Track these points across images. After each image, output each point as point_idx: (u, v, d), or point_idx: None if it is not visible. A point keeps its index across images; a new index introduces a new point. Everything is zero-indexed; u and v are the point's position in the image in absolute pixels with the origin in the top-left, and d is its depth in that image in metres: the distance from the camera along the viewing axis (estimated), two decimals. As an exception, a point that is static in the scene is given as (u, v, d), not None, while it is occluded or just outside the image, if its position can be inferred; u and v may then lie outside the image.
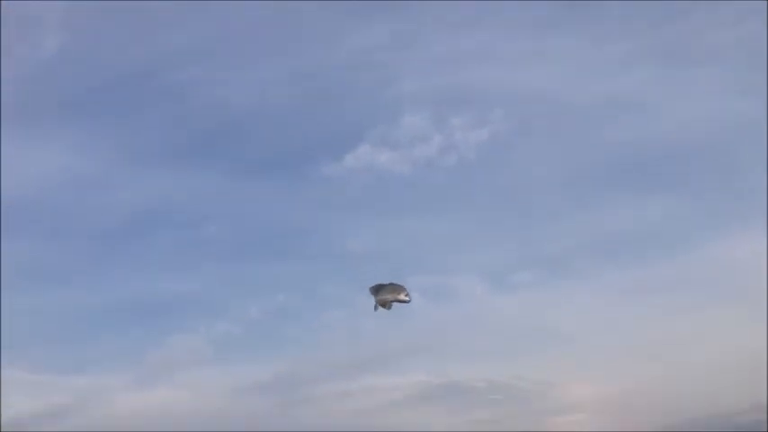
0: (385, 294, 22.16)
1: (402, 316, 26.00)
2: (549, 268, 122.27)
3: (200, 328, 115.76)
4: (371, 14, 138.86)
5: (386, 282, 22.19)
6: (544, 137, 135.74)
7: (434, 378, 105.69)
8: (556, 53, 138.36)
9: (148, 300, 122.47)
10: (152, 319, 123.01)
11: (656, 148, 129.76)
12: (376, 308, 22.55)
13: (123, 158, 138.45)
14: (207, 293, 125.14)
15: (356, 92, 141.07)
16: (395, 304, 22.80)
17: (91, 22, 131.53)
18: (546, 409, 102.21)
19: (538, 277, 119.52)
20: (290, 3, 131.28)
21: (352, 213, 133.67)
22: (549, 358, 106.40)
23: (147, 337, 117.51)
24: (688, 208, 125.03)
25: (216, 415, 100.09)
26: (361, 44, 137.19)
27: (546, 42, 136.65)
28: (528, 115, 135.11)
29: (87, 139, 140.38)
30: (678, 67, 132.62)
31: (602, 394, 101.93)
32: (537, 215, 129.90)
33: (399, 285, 22.25)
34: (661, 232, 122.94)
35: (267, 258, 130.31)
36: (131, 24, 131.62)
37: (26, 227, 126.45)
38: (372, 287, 22.23)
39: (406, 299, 22.41)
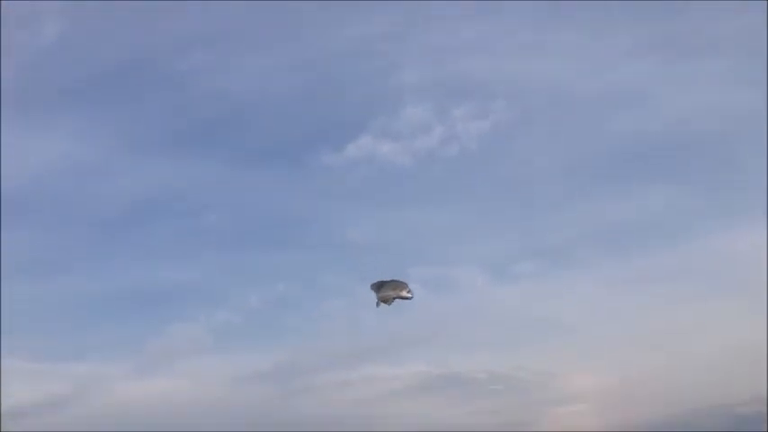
0: (387, 291, 21.91)
1: (402, 307, 25.75)
2: (551, 259, 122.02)
3: (200, 317, 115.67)
4: (372, 4, 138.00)
5: (388, 278, 22.02)
6: (546, 128, 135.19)
7: (435, 368, 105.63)
8: (557, 45, 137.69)
9: (148, 288, 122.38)
10: (152, 307, 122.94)
11: (657, 138, 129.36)
12: (378, 304, 22.35)
13: (123, 147, 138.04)
14: (207, 282, 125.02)
15: (357, 82, 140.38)
16: (396, 300, 22.68)
17: (91, 11, 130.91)
18: (547, 399, 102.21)
19: (539, 268, 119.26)
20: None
21: (353, 203, 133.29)
22: (551, 349, 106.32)
23: (146, 325, 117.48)
24: (689, 199, 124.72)
25: (216, 404, 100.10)
26: (362, 34, 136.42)
27: (547, 34, 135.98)
28: (529, 106, 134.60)
29: (87, 127, 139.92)
30: (679, 60, 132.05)
31: (604, 385, 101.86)
32: (538, 206, 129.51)
33: (401, 282, 22.02)
34: (662, 223, 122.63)
35: (267, 247, 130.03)
36: (132, 13, 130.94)
37: (26, 215, 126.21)
38: (374, 284, 21.97)
39: (409, 295, 22.23)
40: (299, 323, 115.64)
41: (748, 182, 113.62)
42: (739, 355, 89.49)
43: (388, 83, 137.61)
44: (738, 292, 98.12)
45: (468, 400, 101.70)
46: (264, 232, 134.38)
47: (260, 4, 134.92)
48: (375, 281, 22.12)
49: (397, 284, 21.99)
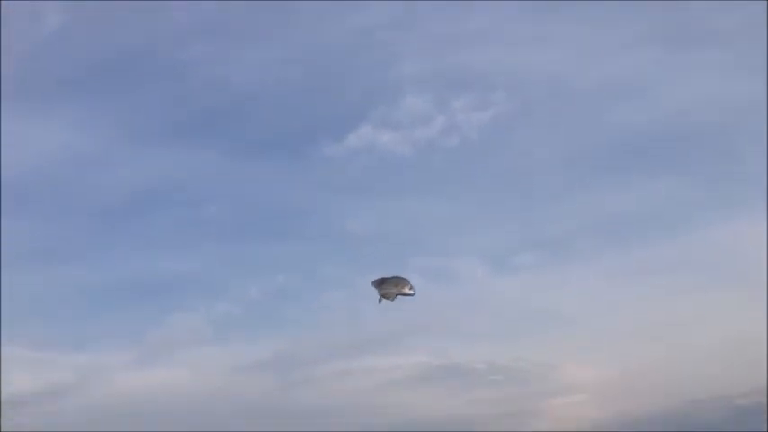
0: (389, 288, 21.87)
1: (403, 299, 25.76)
2: (551, 250, 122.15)
3: (201, 308, 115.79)
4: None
5: (389, 275, 21.95)
6: (546, 119, 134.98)
7: (435, 359, 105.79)
8: (558, 36, 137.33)
9: (149, 279, 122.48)
10: (152, 298, 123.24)
11: (657, 130, 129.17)
12: (380, 300, 22.31)
13: (123, 136, 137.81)
14: (207, 273, 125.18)
15: (358, 72, 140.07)
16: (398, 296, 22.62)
17: (92, 1, 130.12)
18: (546, 390, 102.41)
19: (539, 259, 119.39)
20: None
21: (353, 194, 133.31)
22: (550, 340, 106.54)
23: (147, 315, 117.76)
24: (689, 190, 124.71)
25: (216, 394, 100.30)
26: (363, 24, 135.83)
27: (548, 25, 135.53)
28: (530, 97, 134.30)
29: (87, 117, 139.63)
30: (679, 51, 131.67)
31: (603, 376, 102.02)
32: (538, 197, 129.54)
33: (403, 279, 21.95)
34: (662, 214, 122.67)
35: (267, 239, 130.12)
36: (132, 3, 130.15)
37: (26, 205, 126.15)
38: (376, 280, 21.91)
39: (411, 292, 22.16)
40: (299, 314, 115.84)
41: (748, 173, 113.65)
42: (739, 347, 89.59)
43: (389, 73, 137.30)
44: (738, 283, 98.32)
45: (468, 391, 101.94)
46: (265, 223, 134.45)
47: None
48: (376, 277, 21.93)
49: (399, 281, 21.86)
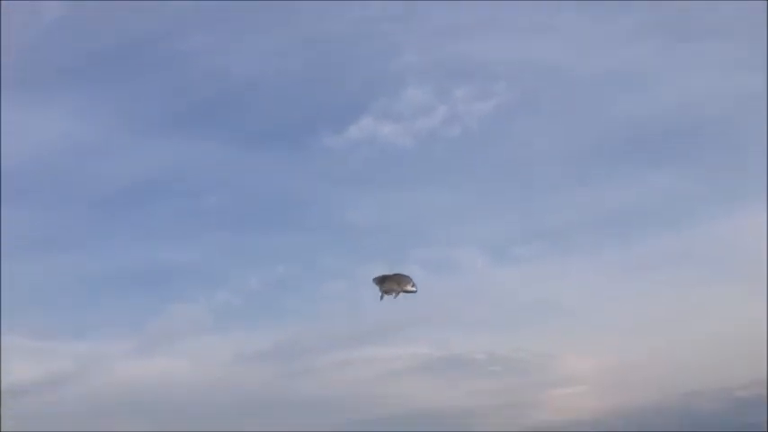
0: (391, 285, 21.67)
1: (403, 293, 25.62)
2: (551, 242, 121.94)
3: (201, 298, 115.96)
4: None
5: (391, 272, 21.75)
6: (547, 110, 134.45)
7: (435, 350, 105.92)
8: (559, 26, 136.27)
9: (149, 268, 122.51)
10: (152, 287, 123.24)
11: (659, 122, 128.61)
12: (382, 297, 22.14)
13: (124, 126, 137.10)
14: (207, 263, 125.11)
15: (358, 63, 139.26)
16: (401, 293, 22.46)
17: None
18: (546, 381, 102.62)
19: (539, 250, 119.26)
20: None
21: (354, 185, 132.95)
22: (550, 331, 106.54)
23: (147, 305, 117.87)
24: (690, 184, 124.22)
25: (215, 384, 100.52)
26: (363, 15, 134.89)
27: (550, 15, 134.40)
28: (531, 88, 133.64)
29: (87, 106, 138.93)
30: (680, 42, 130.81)
31: (603, 367, 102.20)
32: (539, 188, 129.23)
33: (405, 276, 21.71)
34: (663, 207, 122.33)
35: (267, 229, 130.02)
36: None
37: (26, 194, 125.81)
38: (377, 278, 21.70)
39: (413, 289, 21.96)
40: (299, 305, 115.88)
41: (749, 167, 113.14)
42: (739, 340, 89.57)
43: (389, 64, 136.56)
44: (739, 276, 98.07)
45: (468, 381, 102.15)
46: (265, 214, 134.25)
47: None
48: (378, 274, 21.71)
49: (401, 278, 21.66)
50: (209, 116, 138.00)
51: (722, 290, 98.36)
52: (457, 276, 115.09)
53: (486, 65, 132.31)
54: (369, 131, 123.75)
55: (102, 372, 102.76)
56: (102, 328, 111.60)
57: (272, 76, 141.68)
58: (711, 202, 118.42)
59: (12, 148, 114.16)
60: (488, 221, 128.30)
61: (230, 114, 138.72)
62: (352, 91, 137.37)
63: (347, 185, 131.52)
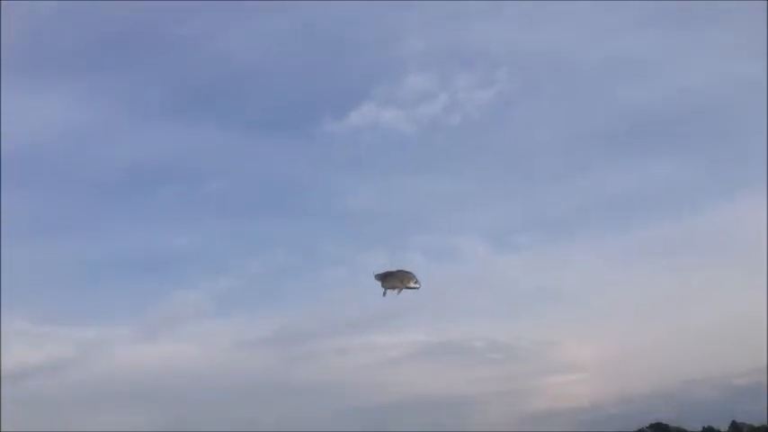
0: (393, 282, 21.60)
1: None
2: (552, 229, 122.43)
3: (202, 283, 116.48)
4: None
5: (394, 269, 21.65)
6: (548, 97, 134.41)
7: (434, 337, 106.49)
8: (561, 14, 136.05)
9: (150, 253, 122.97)
10: (154, 272, 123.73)
11: (659, 110, 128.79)
12: (384, 293, 22.04)
13: (124, 111, 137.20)
14: (208, 249, 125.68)
15: (360, 50, 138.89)
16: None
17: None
18: (545, 368, 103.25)
19: (540, 238, 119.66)
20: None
21: (355, 171, 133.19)
22: (550, 318, 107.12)
23: (148, 290, 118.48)
24: (690, 171, 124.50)
25: (217, 369, 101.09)
26: (366, 2, 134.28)
27: (551, 3, 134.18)
28: (533, 75, 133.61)
29: (88, 92, 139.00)
30: (681, 30, 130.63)
31: (603, 355, 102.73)
32: (540, 176, 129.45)
33: (408, 272, 21.64)
34: (663, 195, 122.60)
35: (268, 215, 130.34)
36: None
37: (28, 178, 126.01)
38: (380, 274, 21.61)
39: (416, 285, 21.88)
40: (300, 291, 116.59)
41: (749, 154, 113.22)
42: (739, 327, 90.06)
43: (392, 51, 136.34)
44: (738, 264, 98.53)
45: (468, 368, 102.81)
46: (266, 200, 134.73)
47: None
48: (381, 271, 21.63)
49: (404, 275, 21.62)
50: (210, 101, 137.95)
51: (722, 277, 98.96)
52: (457, 264, 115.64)
53: (487, 52, 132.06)
54: (371, 118, 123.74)
55: (103, 357, 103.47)
56: (104, 314, 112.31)
57: (273, 62, 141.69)
58: (712, 189, 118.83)
59: (12, 133, 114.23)
60: (489, 209, 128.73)
61: (231, 100, 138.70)
62: (354, 77, 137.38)
63: (348, 172, 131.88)
